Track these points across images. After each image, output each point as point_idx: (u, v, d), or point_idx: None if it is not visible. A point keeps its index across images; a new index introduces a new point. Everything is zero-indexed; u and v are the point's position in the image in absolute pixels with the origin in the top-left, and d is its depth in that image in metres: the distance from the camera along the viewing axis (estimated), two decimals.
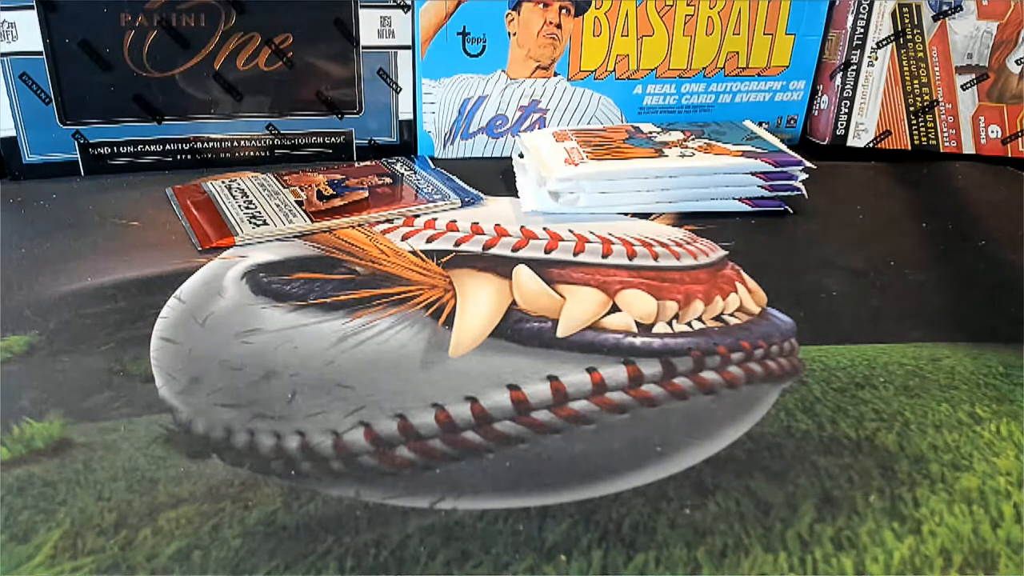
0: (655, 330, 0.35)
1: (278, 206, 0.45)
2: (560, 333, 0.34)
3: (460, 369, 0.32)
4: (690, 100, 0.58)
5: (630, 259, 0.40)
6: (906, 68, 0.56)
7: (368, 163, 0.54)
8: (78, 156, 0.50)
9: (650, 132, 0.52)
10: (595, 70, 0.56)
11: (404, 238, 0.43)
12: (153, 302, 0.36)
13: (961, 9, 0.55)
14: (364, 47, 0.53)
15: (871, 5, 0.55)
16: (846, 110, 0.58)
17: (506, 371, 0.32)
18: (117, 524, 0.25)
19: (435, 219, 0.45)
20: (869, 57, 0.56)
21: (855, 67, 0.56)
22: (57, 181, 0.50)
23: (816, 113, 0.60)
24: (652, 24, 0.55)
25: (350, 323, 0.35)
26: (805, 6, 0.56)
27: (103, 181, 0.50)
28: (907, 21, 0.55)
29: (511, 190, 0.50)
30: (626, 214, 0.47)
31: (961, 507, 0.26)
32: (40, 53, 0.47)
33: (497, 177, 0.52)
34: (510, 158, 0.53)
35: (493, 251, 0.41)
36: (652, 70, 0.56)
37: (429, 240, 0.42)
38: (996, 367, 0.34)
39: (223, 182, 0.49)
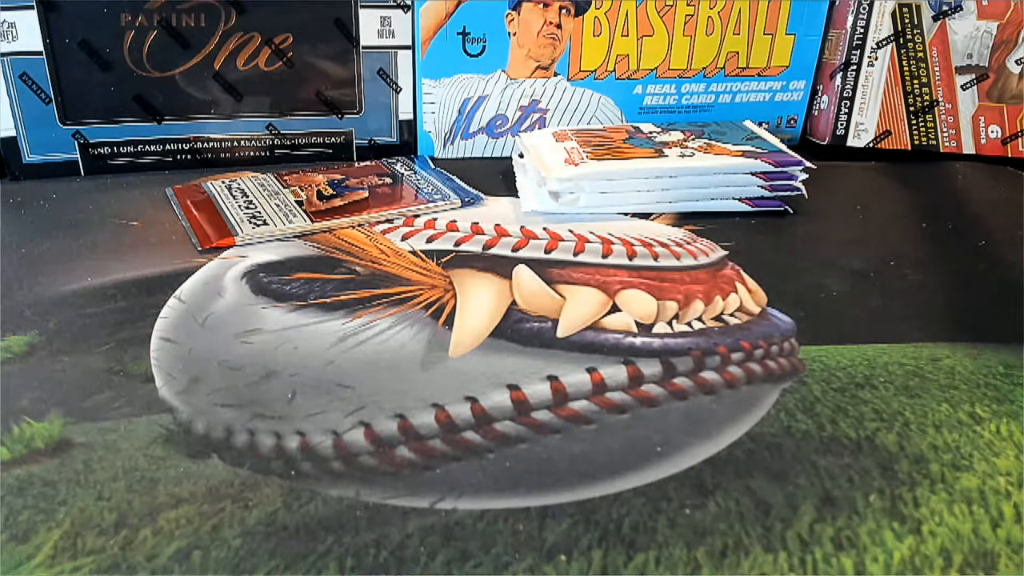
0: (655, 330, 0.35)
1: (278, 206, 0.46)
2: (560, 333, 0.34)
3: (460, 369, 0.32)
4: (690, 100, 0.58)
5: (630, 259, 0.40)
6: (906, 68, 0.56)
7: (368, 163, 0.54)
8: (78, 156, 0.50)
9: (650, 132, 0.52)
10: (595, 70, 0.56)
11: (404, 238, 0.43)
12: (153, 302, 0.36)
13: (961, 9, 0.55)
14: (364, 47, 0.53)
15: (871, 5, 0.55)
16: (846, 110, 0.58)
17: (506, 371, 0.32)
18: (117, 524, 0.25)
19: (435, 219, 0.45)
20: (869, 57, 0.56)
21: (855, 67, 0.56)
22: (57, 181, 0.50)
23: (816, 113, 0.60)
24: (652, 24, 0.55)
25: (350, 323, 0.35)
26: (805, 6, 0.56)
27: (103, 181, 0.50)
28: (907, 21, 0.55)
29: (511, 190, 0.50)
30: (626, 214, 0.47)
31: (961, 507, 0.26)
32: (40, 53, 0.47)
33: (497, 177, 0.52)
34: (510, 158, 0.53)
35: (493, 251, 0.41)
36: (652, 70, 0.56)
37: (429, 240, 0.42)
38: (996, 367, 0.34)
39: (223, 182, 0.49)
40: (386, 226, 0.44)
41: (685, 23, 0.55)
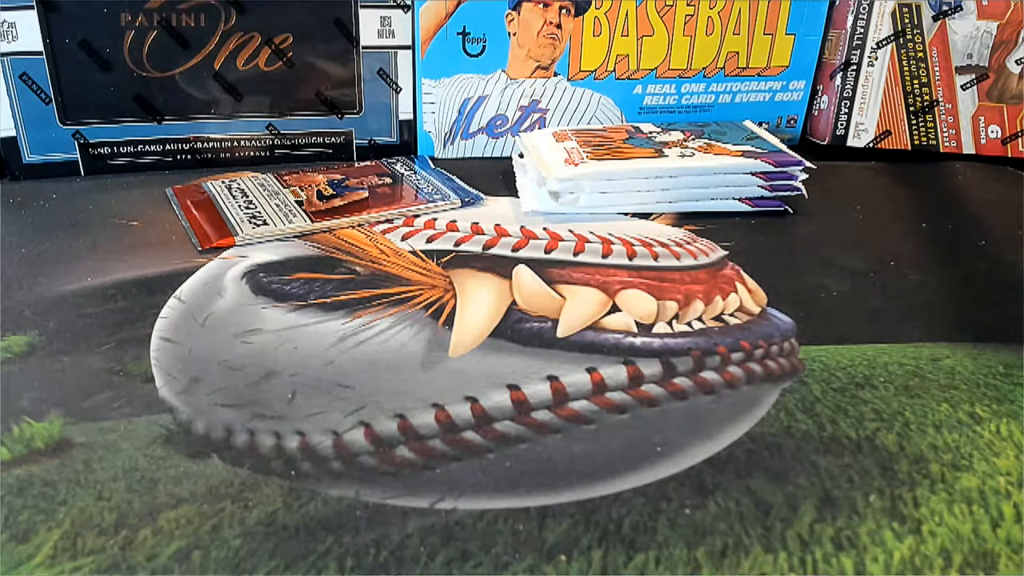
0: (655, 330, 0.35)
1: (278, 206, 0.46)
2: (560, 333, 0.34)
3: (460, 369, 0.32)
4: (690, 100, 0.58)
5: (630, 259, 0.40)
6: (906, 68, 0.56)
7: (368, 163, 0.54)
8: (78, 156, 0.50)
9: (650, 132, 0.52)
10: (595, 70, 0.56)
11: (404, 238, 0.43)
12: (153, 302, 0.36)
13: (961, 9, 0.55)
14: (364, 47, 0.53)
15: (871, 5, 0.55)
16: (846, 110, 0.58)
17: (506, 371, 0.32)
18: (117, 524, 0.25)
19: (435, 219, 0.45)
20: (869, 57, 0.56)
21: (855, 67, 0.56)
22: (57, 181, 0.50)
23: (816, 113, 0.60)
24: (652, 24, 0.55)
25: (350, 323, 0.35)
26: (805, 6, 0.56)
27: (103, 181, 0.50)
28: (907, 21, 0.55)
29: (511, 190, 0.50)
30: (626, 214, 0.47)
31: (961, 507, 0.26)
32: (40, 53, 0.47)
33: (497, 177, 0.52)
34: (510, 158, 0.53)
35: (493, 251, 0.41)
36: (652, 70, 0.56)
37: (429, 240, 0.42)
38: (996, 367, 0.34)
39: (223, 182, 0.49)
40: (386, 226, 0.44)
41: (685, 23, 0.55)
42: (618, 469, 0.27)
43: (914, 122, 0.57)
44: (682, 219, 0.47)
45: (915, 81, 0.56)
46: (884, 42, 0.56)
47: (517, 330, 0.34)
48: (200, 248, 0.41)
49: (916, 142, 0.58)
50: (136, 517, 0.25)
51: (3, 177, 0.50)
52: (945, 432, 0.30)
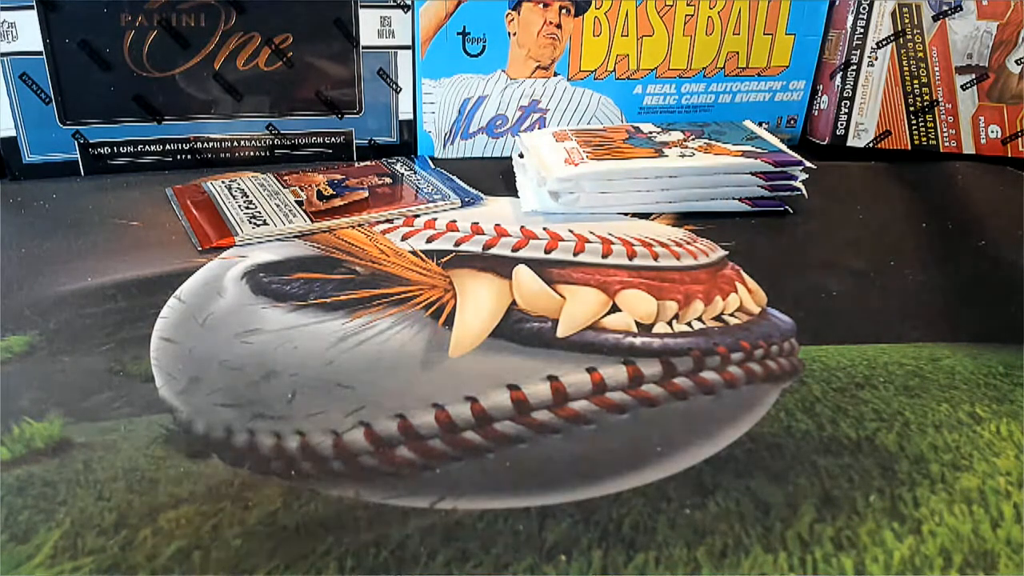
0: (655, 330, 0.35)
1: (278, 206, 0.46)
2: (560, 333, 0.34)
3: (460, 369, 0.32)
4: (690, 100, 0.58)
5: (630, 259, 0.40)
6: (906, 68, 0.56)
7: (368, 163, 0.54)
8: (78, 156, 0.50)
9: (650, 132, 0.52)
10: (595, 70, 0.56)
11: (404, 238, 0.43)
12: (153, 302, 0.36)
13: (961, 9, 0.55)
14: (364, 47, 0.53)
15: (871, 5, 0.55)
16: (846, 110, 0.58)
17: (506, 371, 0.32)
18: (117, 524, 0.25)
19: (435, 219, 0.45)
20: (869, 57, 0.56)
21: (855, 67, 0.56)
22: (57, 181, 0.50)
23: (816, 113, 0.60)
24: (652, 24, 0.55)
25: (350, 323, 0.35)
26: (805, 6, 0.56)
27: (103, 181, 0.50)
28: (907, 21, 0.55)
29: (511, 190, 0.50)
30: (626, 214, 0.47)
31: (961, 507, 0.26)
32: (40, 53, 0.47)
33: (497, 177, 0.52)
34: (510, 158, 0.53)
35: (493, 251, 0.41)
36: (652, 70, 0.56)
37: (429, 240, 0.42)
38: (996, 367, 0.34)
39: (223, 182, 0.49)
40: (386, 226, 0.44)
41: (685, 23, 0.55)
42: (618, 469, 0.27)
43: (914, 122, 0.57)
44: (682, 219, 0.47)
45: (915, 81, 0.56)
46: (884, 42, 0.56)
47: (517, 330, 0.34)
48: (200, 248, 0.41)
49: (916, 142, 0.58)
50: (136, 517, 0.25)
51: (3, 177, 0.50)
52: (945, 432, 0.30)
